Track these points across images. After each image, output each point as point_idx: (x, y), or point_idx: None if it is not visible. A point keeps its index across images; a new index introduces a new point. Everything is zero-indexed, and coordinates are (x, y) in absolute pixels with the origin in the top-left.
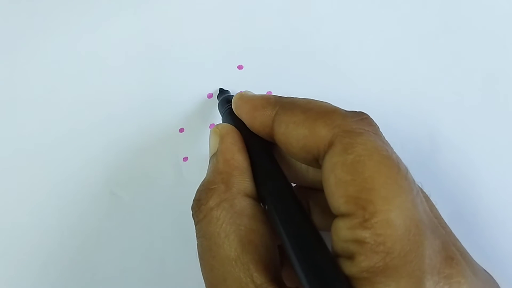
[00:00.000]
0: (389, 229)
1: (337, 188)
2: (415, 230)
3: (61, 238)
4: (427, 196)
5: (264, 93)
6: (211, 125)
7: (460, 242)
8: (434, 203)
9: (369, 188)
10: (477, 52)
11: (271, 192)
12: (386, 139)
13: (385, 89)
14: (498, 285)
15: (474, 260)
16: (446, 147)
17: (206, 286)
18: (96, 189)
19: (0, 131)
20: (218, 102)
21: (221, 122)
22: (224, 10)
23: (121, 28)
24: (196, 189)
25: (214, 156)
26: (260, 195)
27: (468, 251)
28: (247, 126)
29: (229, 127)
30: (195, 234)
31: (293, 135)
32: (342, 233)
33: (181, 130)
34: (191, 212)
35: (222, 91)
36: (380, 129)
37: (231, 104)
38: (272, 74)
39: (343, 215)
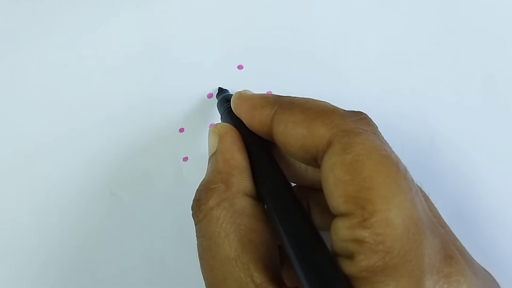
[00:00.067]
0: (388, 229)
1: (336, 188)
2: (414, 229)
3: (61, 238)
4: (426, 195)
5: (264, 93)
6: (211, 125)
7: (459, 241)
8: (434, 203)
9: (368, 187)
10: (477, 52)
11: (270, 191)
12: (385, 138)
13: (385, 89)
14: (497, 284)
15: (473, 259)
16: (446, 147)
17: (206, 286)
18: (96, 189)
19: (0, 131)
20: (217, 101)
21: (220, 122)
22: (224, 10)
23: (121, 28)
24: (196, 189)
25: (213, 156)
26: (259, 195)
27: (468, 251)
28: (246, 125)
29: (228, 126)
30: (195, 234)
31: (291, 135)
32: (341, 233)
33: (181, 130)
34: (191, 212)
35: (221, 90)
36: (380, 129)
37: (230, 103)
38: (272, 74)
39: (342, 215)
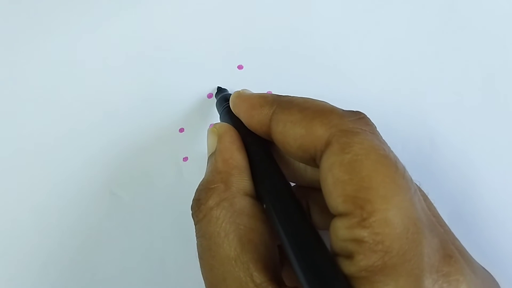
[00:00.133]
0: (387, 228)
1: (335, 188)
2: (413, 229)
3: (61, 238)
4: (425, 194)
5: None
6: (211, 125)
7: (458, 240)
8: (433, 202)
9: (366, 187)
10: (477, 52)
11: (269, 191)
12: (385, 139)
13: (385, 89)
14: (497, 283)
15: (473, 258)
16: (446, 147)
17: (206, 286)
18: (96, 189)
19: (0, 131)
20: (215, 100)
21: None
22: (224, 10)
23: (121, 28)
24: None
25: (212, 156)
26: (258, 194)
27: (468, 250)
28: (245, 124)
29: (226, 126)
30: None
31: (290, 134)
32: (340, 233)
33: (181, 130)
34: (191, 212)
35: (220, 90)
36: (380, 129)
37: (229, 103)
38: (272, 74)
39: (341, 215)
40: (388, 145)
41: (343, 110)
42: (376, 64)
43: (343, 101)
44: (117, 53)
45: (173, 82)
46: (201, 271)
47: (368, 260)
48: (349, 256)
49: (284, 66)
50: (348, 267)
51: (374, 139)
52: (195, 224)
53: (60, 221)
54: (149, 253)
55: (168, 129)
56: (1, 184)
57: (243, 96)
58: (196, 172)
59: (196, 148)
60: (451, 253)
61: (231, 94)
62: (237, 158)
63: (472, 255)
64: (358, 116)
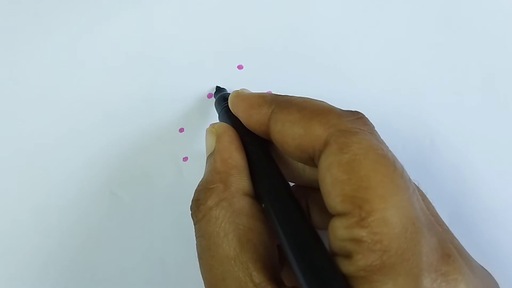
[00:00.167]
0: (385, 228)
1: (333, 187)
2: (412, 228)
3: (61, 238)
4: (423, 194)
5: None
6: (211, 125)
7: (457, 240)
8: (434, 202)
9: (365, 186)
10: (477, 52)
11: (268, 190)
12: (385, 139)
13: (385, 89)
14: (496, 282)
15: (471, 258)
16: (446, 147)
17: (205, 286)
18: (96, 189)
19: (0, 131)
20: (214, 100)
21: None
22: (224, 10)
23: (121, 28)
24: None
25: (211, 156)
26: (257, 194)
27: (467, 250)
28: (244, 124)
29: (225, 126)
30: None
31: (288, 134)
32: (339, 232)
33: (181, 130)
34: (190, 212)
35: (218, 89)
36: (380, 129)
37: (227, 102)
38: (272, 74)
39: (340, 214)
40: (387, 145)
41: (342, 110)
42: (376, 64)
43: (343, 101)
44: (117, 53)
45: (173, 82)
46: (201, 271)
47: (366, 259)
48: (348, 255)
49: (284, 66)
50: (346, 267)
51: (373, 138)
52: (195, 224)
53: (60, 221)
54: (149, 253)
55: (168, 129)
56: (1, 184)
57: (242, 95)
58: (196, 172)
59: (196, 148)
60: (450, 252)
61: (230, 93)
62: (236, 158)
63: (472, 255)
64: (356, 116)
